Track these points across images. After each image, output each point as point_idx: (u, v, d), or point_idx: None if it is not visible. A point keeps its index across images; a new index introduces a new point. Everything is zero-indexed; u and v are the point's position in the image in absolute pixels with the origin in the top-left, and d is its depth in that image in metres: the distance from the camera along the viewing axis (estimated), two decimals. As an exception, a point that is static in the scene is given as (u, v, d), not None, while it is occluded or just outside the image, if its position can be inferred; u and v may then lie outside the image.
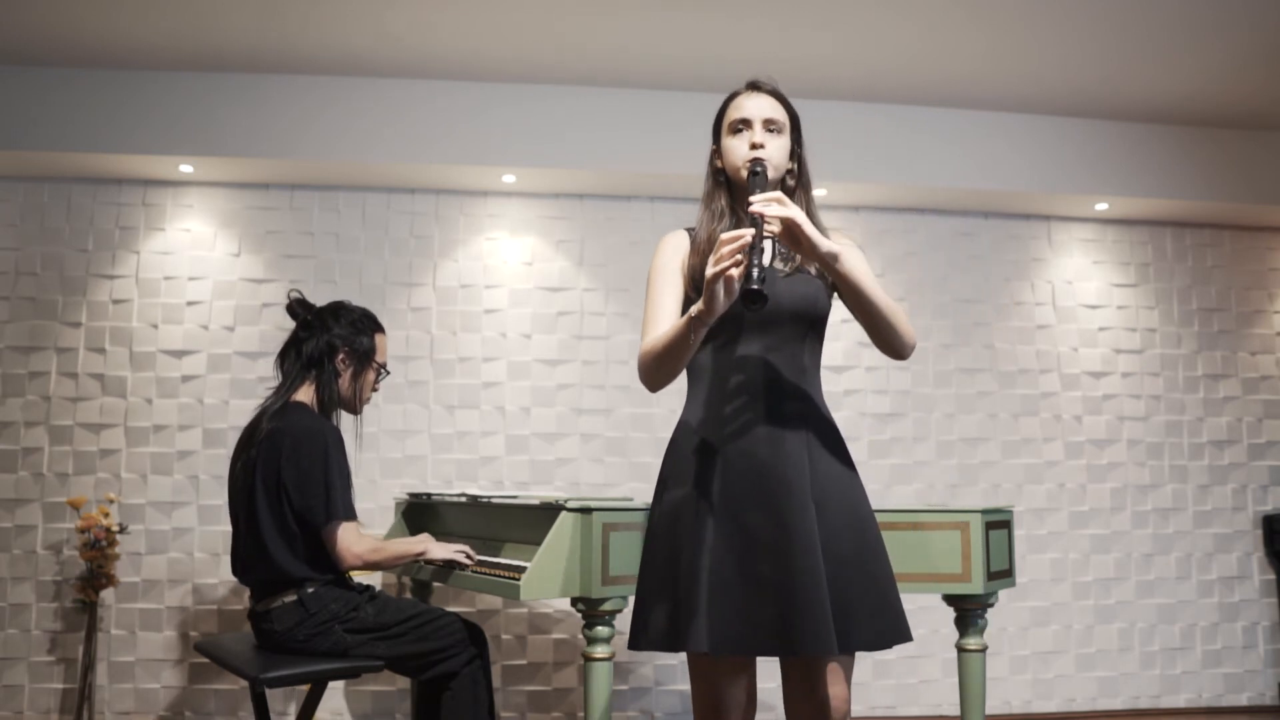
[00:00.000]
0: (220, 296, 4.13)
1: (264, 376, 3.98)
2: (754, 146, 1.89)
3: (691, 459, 1.87)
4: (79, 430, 3.99)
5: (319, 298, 3.14)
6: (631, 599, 2.11)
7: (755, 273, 1.60)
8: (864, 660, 4.15)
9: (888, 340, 1.88)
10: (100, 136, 3.89)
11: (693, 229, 1.99)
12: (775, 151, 1.90)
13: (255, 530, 2.67)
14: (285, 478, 2.64)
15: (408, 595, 3.69)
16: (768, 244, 1.82)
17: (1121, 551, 4.42)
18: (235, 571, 2.78)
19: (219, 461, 3.97)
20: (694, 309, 1.72)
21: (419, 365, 4.17)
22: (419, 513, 3.52)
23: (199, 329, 4.10)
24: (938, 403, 4.41)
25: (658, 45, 3.80)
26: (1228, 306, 4.67)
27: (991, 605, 2.74)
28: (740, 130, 1.92)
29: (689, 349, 1.78)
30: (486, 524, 3.07)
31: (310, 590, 2.64)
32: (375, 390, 2.97)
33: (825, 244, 1.74)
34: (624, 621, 2.19)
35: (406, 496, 3.59)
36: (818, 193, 4.25)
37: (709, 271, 1.65)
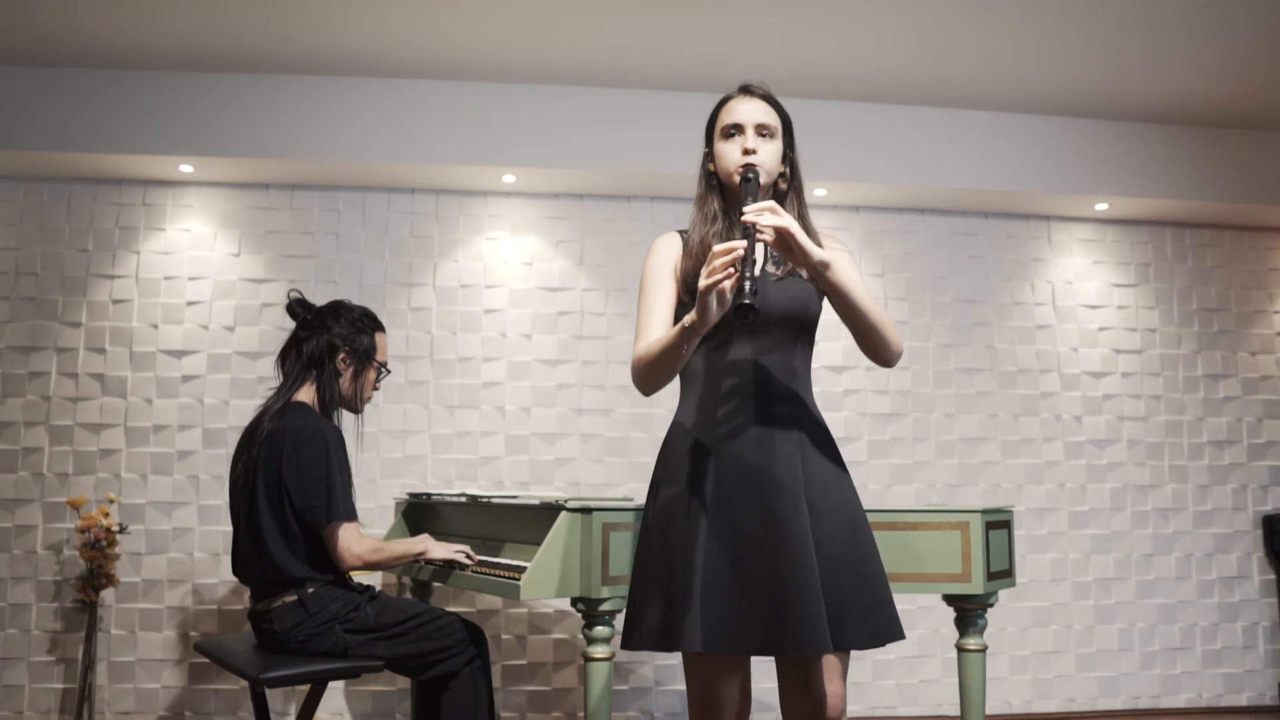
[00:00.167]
0: (220, 296, 4.13)
1: (264, 376, 3.98)
2: (746, 152, 1.90)
3: (685, 460, 1.88)
4: (79, 430, 3.99)
5: (319, 298, 3.15)
6: (629, 599, 2.11)
7: (748, 286, 1.62)
8: (864, 660, 4.15)
9: (874, 347, 1.91)
10: (100, 136, 3.89)
11: (685, 231, 2.01)
12: (767, 157, 1.92)
13: (256, 530, 2.67)
14: (286, 478, 2.65)
15: (408, 595, 3.69)
16: (760, 248, 1.83)
17: (1121, 551, 4.42)
18: (235, 571, 2.78)
19: (219, 461, 3.98)
20: (687, 319, 1.73)
21: (419, 365, 4.17)
22: (419, 513, 3.52)
23: (199, 329, 4.10)
24: (938, 403, 4.41)
25: (658, 45, 3.80)
26: (1228, 306, 4.67)
27: (991, 605, 2.74)
28: (733, 135, 1.94)
29: (682, 357, 1.80)
30: (486, 524, 3.07)
31: (310, 590, 2.64)
32: (376, 389, 2.97)
33: (817, 253, 1.76)
34: (622, 622, 2.19)
35: (406, 496, 3.59)
36: (818, 192, 4.31)
37: (702, 284, 1.66)
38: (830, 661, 1.88)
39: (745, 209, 1.72)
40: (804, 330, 1.93)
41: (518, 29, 3.69)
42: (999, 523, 2.75)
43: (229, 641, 2.88)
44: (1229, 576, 4.47)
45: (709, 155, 2.00)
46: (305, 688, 3.13)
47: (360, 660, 2.65)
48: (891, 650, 4.17)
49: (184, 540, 3.96)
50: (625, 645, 1.87)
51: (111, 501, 3.84)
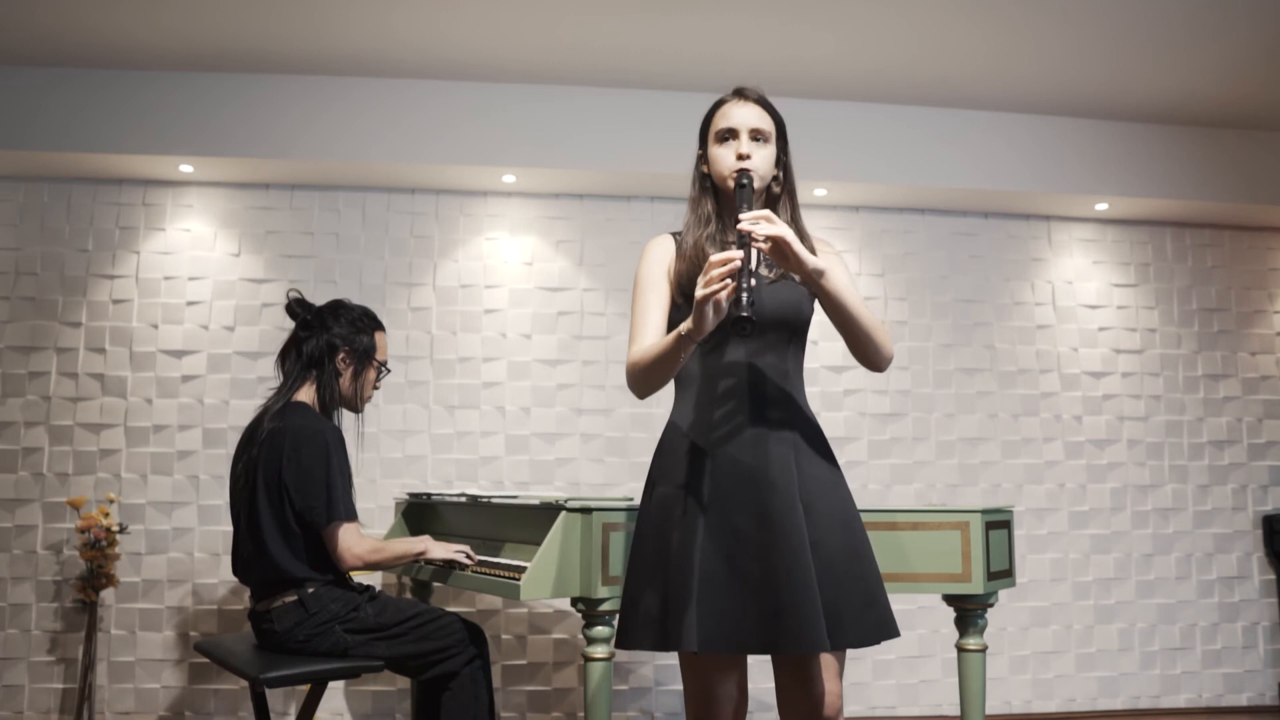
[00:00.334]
0: (220, 296, 4.13)
1: (264, 376, 3.98)
2: (741, 157, 1.91)
3: (680, 461, 1.89)
4: (79, 430, 3.99)
5: (319, 298, 3.15)
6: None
7: (745, 298, 1.63)
8: (864, 660, 4.15)
9: (865, 352, 1.93)
10: (100, 136, 3.89)
11: (678, 233, 2.02)
12: (761, 162, 1.93)
13: (256, 530, 2.67)
14: (286, 478, 2.65)
15: (408, 595, 3.69)
16: (754, 253, 1.85)
17: (1121, 551, 4.42)
18: (236, 571, 2.78)
19: (219, 461, 3.98)
20: (683, 326, 1.74)
21: (419, 365, 4.17)
22: (419, 513, 3.52)
23: (199, 329, 4.10)
24: (938, 403, 4.41)
25: (658, 45, 3.80)
26: (1228, 306, 4.67)
27: (991, 605, 2.74)
28: (727, 139, 1.95)
29: (678, 363, 1.81)
30: (486, 524, 3.07)
31: (310, 590, 2.64)
32: (376, 389, 2.97)
33: (812, 261, 1.78)
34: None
35: (406, 496, 3.59)
36: (818, 192, 4.31)
37: (699, 293, 1.67)
38: (827, 660, 1.89)
39: (741, 218, 1.73)
40: (797, 332, 1.95)
41: (518, 29, 3.69)
42: (999, 523, 2.75)
43: (229, 641, 2.88)
44: (1229, 576, 4.47)
45: (702, 157, 2.01)
46: (305, 688, 3.13)
47: (360, 660, 2.65)
48: (891, 650, 4.17)
49: (184, 540, 3.96)
50: (621, 645, 1.88)
51: (111, 501, 3.84)
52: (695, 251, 1.92)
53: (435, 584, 3.56)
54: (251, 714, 3.53)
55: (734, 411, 1.88)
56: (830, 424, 4.29)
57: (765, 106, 1.97)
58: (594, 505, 2.51)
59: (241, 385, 4.06)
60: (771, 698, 3.80)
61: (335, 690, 3.89)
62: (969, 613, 2.75)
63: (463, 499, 3.13)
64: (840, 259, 1.99)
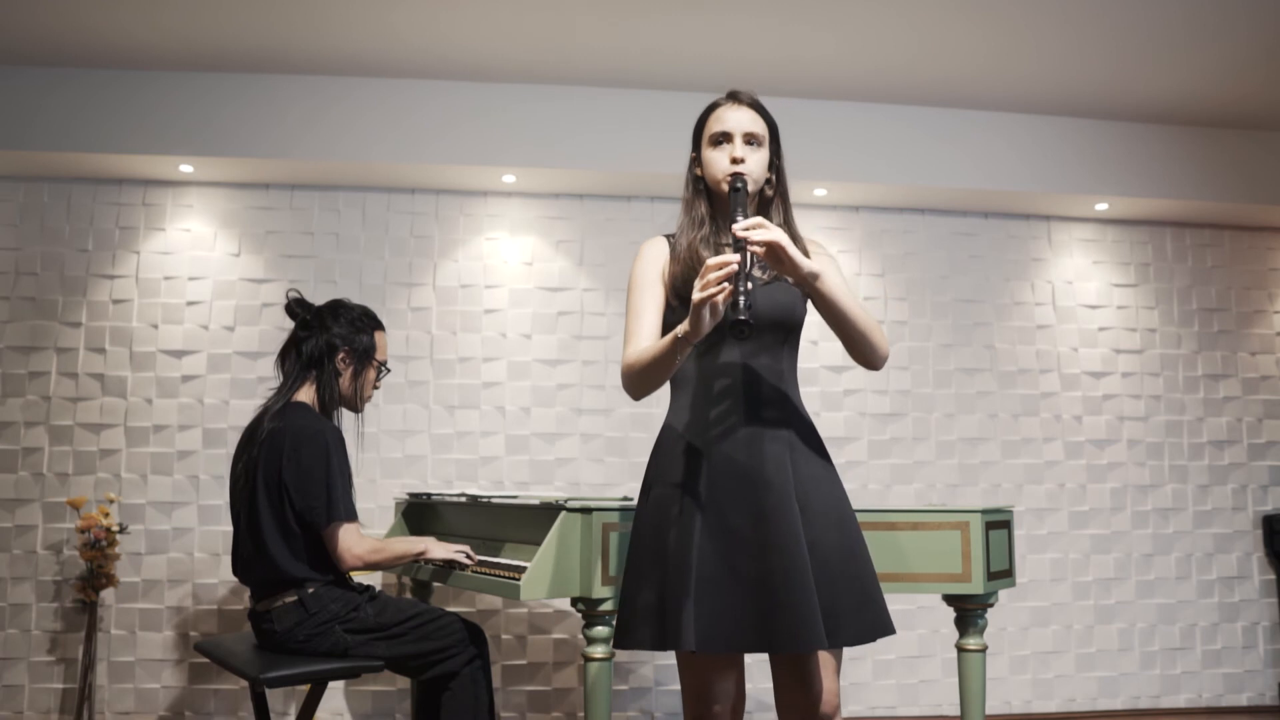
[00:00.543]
0: (220, 296, 4.13)
1: (264, 376, 3.98)
2: (735, 161, 1.92)
3: (677, 461, 1.90)
4: (79, 430, 3.99)
5: (319, 298, 3.15)
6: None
7: (742, 301, 1.65)
8: (864, 660, 4.15)
9: (860, 352, 1.96)
10: (100, 136, 3.89)
11: (672, 235, 2.03)
12: (755, 165, 1.94)
13: (256, 530, 2.67)
14: (286, 478, 2.65)
15: (408, 595, 3.69)
16: (749, 255, 1.86)
17: (1121, 551, 4.42)
18: (236, 571, 2.78)
19: (219, 461, 3.98)
20: (680, 329, 1.76)
21: (419, 365, 4.17)
22: (419, 513, 3.52)
23: (199, 329, 4.10)
24: (938, 403, 4.41)
25: (658, 45, 3.80)
26: (1228, 306, 4.67)
27: (991, 605, 2.74)
28: (721, 143, 1.96)
29: (674, 365, 1.82)
30: (486, 524, 3.07)
31: (310, 590, 2.64)
32: (376, 388, 2.97)
33: (807, 264, 1.79)
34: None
35: (406, 496, 3.59)
36: (818, 192, 4.31)
37: (696, 296, 1.68)
38: (824, 658, 1.91)
39: (735, 225, 1.75)
40: (791, 333, 1.97)
41: (518, 29, 3.69)
42: (999, 523, 2.75)
43: (229, 641, 2.88)
44: (1229, 576, 4.47)
45: (696, 160, 2.03)
46: (305, 688, 3.13)
47: (360, 660, 2.65)
48: (891, 650, 4.17)
49: (184, 540, 3.96)
50: (620, 645, 1.89)
51: (111, 501, 3.84)
52: (689, 254, 1.94)
53: (435, 584, 3.56)
54: (251, 714, 3.53)
55: (729, 411, 1.89)
56: (830, 424, 4.29)
57: (759, 110, 1.99)
58: (594, 505, 2.51)
59: (241, 385, 4.06)
60: (770, 698, 3.80)
61: (335, 690, 3.89)
62: (969, 613, 2.74)
63: (463, 499, 3.13)
64: (834, 261, 2.01)
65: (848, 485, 2.05)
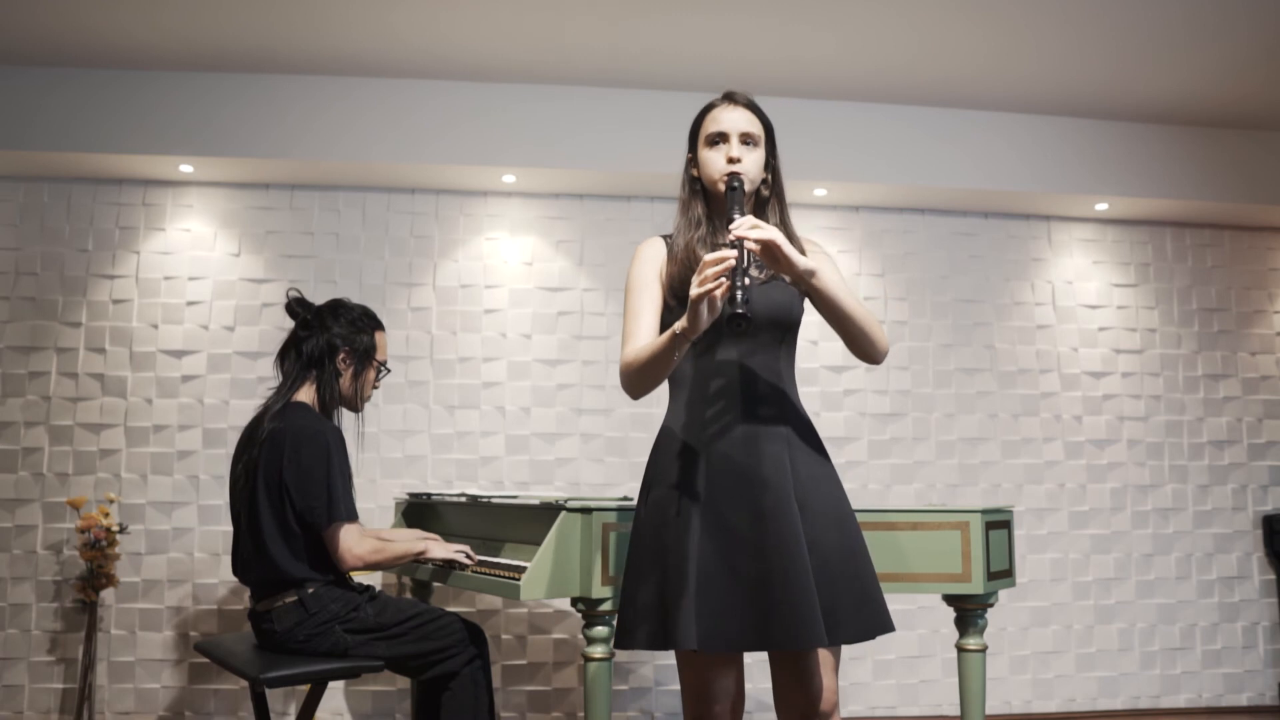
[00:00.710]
0: (220, 296, 4.13)
1: (264, 376, 3.98)
2: (731, 161, 1.94)
3: (675, 462, 1.91)
4: (79, 430, 3.99)
5: (319, 298, 3.14)
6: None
7: (739, 295, 1.65)
8: (864, 660, 4.15)
9: (860, 347, 1.97)
10: (100, 136, 3.89)
11: (669, 236, 2.04)
12: (751, 165, 1.96)
13: (256, 530, 2.67)
14: (286, 478, 2.64)
15: (408, 595, 3.69)
16: (747, 255, 1.87)
17: (1121, 551, 4.42)
18: (236, 571, 2.78)
19: (219, 461, 3.98)
20: (677, 326, 1.76)
21: (419, 365, 4.17)
22: (419, 513, 3.52)
23: (199, 329, 4.10)
24: (938, 403, 4.41)
25: (658, 45, 3.80)
26: (1228, 306, 4.67)
27: (991, 605, 2.74)
28: (717, 143, 1.97)
29: (672, 363, 1.83)
30: (486, 524, 3.07)
31: (310, 590, 2.64)
32: (376, 388, 2.97)
33: (803, 262, 1.80)
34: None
35: (406, 496, 3.59)
36: (818, 192, 4.31)
37: (693, 292, 1.69)
38: (823, 656, 1.92)
39: (732, 225, 1.76)
40: (788, 332, 1.97)
41: (518, 29, 3.69)
42: (999, 523, 2.75)
43: (229, 641, 2.88)
44: (1229, 576, 4.47)
45: (692, 160, 2.04)
46: (305, 688, 3.13)
47: (360, 660, 2.65)
48: (891, 650, 4.17)
49: (184, 540, 3.96)
50: (620, 645, 1.90)
51: (111, 501, 3.84)
52: (686, 254, 1.95)
53: (435, 584, 3.56)
54: (251, 714, 3.53)
55: (726, 410, 1.90)
56: (830, 424, 4.29)
57: (754, 110, 2.00)
58: (594, 505, 2.51)
59: (241, 385, 4.06)
60: (769, 697, 3.79)
61: (335, 690, 3.89)
62: (969, 613, 2.75)
63: (463, 499, 3.13)
64: (830, 259, 2.02)
65: (848, 485, 2.05)
